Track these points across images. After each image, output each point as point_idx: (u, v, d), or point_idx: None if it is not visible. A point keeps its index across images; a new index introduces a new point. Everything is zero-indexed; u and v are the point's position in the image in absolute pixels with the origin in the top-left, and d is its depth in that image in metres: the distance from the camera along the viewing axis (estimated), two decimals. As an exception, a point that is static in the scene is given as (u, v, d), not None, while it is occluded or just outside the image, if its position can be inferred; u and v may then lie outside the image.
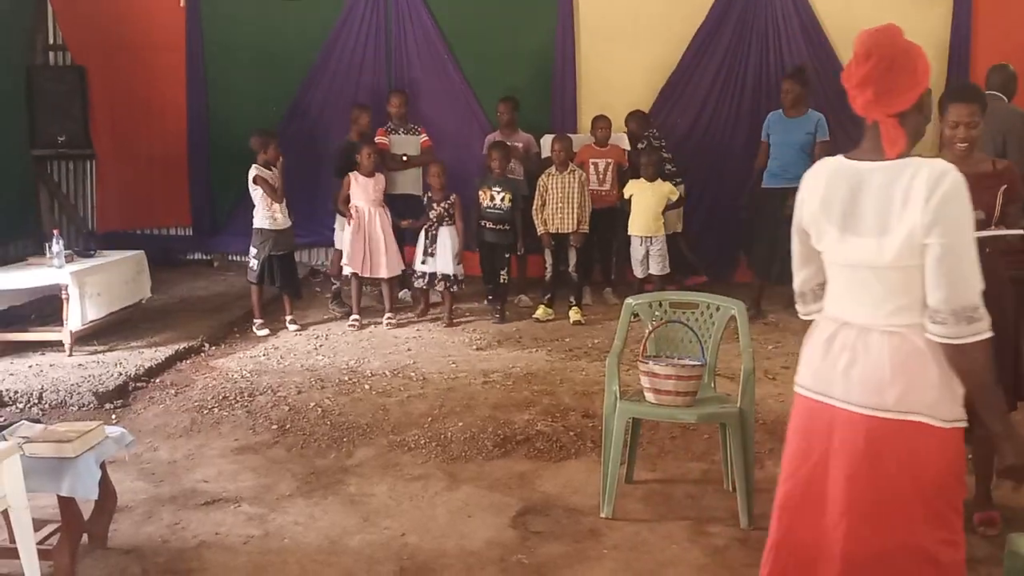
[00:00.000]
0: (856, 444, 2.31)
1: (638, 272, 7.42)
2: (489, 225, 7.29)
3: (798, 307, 2.66)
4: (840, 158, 2.42)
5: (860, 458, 2.30)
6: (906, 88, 2.28)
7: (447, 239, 7.19)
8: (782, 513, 2.49)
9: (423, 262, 7.25)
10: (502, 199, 7.21)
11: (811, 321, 2.58)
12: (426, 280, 7.28)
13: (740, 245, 8.04)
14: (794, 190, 8.67)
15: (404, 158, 7.72)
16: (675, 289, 6.86)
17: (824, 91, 8.21)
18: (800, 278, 2.59)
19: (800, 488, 2.45)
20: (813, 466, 2.42)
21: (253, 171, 6.88)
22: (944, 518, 2.30)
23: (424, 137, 7.84)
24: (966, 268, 2.19)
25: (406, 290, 7.90)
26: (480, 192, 7.29)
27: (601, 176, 7.61)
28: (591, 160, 7.61)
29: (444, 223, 7.22)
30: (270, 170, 6.93)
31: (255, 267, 7.00)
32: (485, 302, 7.56)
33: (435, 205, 7.23)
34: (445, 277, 7.21)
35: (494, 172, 7.28)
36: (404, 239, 7.54)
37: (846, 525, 2.32)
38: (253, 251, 7.01)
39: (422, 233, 7.27)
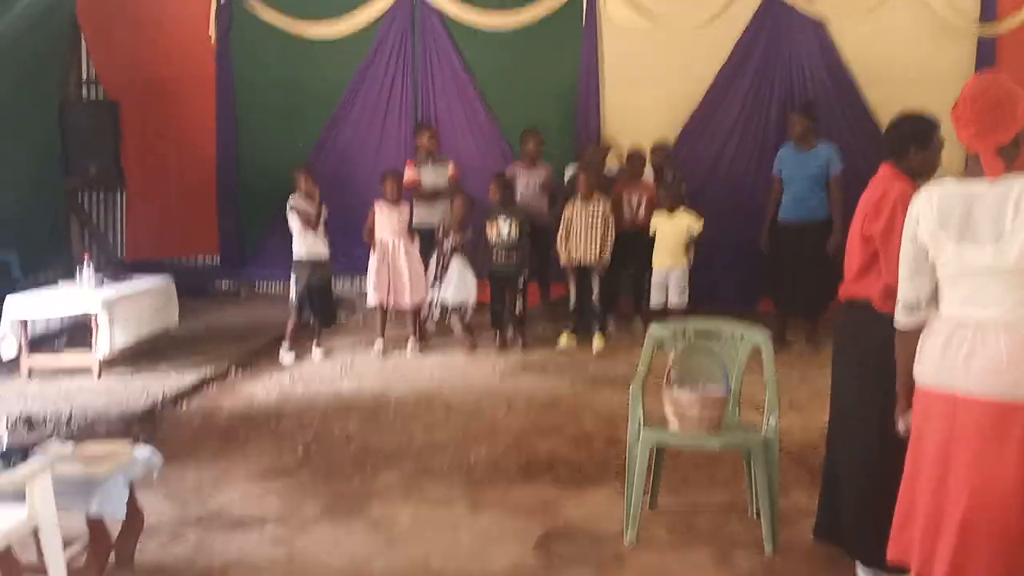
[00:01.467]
0: (976, 426, 2.61)
1: (656, 302, 7.41)
2: (501, 259, 7.31)
3: (904, 316, 2.87)
4: (948, 180, 2.74)
5: (980, 439, 2.60)
6: (1004, 128, 2.65)
7: (464, 269, 7.25)
8: (906, 485, 2.84)
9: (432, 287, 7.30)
10: (509, 228, 7.25)
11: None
12: (438, 309, 7.31)
13: (762, 282, 8.00)
14: (810, 221, 8.60)
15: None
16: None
17: (849, 126, 8.27)
18: (912, 288, 2.83)
19: (924, 464, 2.75)
20: (935, 446, 2.72)
21: (290, 200, 7.02)
22: None
23: (451, 167, 7.90)
24: None
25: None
26: (487, 226, 7.34)
27: (634, 209, 7.62)
28: (625, 193, 7.62)
29: (457, 254, 7.27)
30: (309, 201, 7.04)
31: (294, 300, 7.10)
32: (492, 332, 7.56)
33: (449, 236, 7.28)
34: (458, 307, 7.25)
35: (494, 202, 7.33)
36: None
37: (967, 498, 2.61)
38: (294, 281, 7.11)
39: (432, 262, 7.33)
